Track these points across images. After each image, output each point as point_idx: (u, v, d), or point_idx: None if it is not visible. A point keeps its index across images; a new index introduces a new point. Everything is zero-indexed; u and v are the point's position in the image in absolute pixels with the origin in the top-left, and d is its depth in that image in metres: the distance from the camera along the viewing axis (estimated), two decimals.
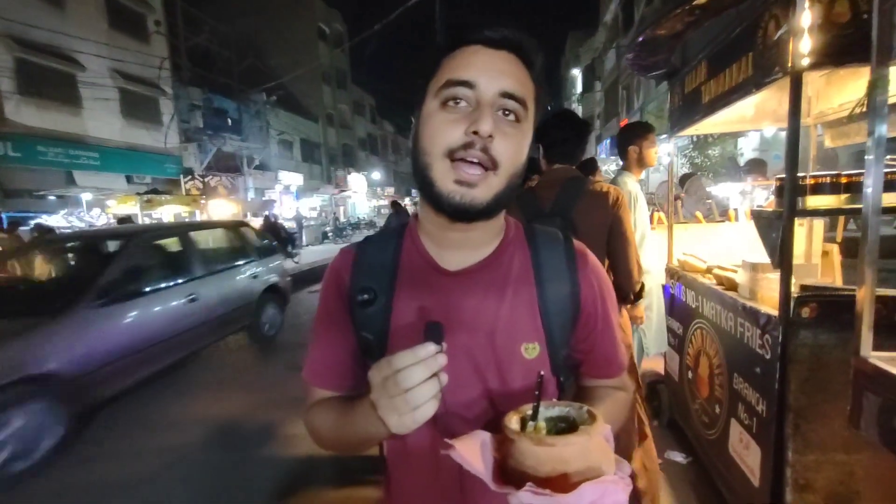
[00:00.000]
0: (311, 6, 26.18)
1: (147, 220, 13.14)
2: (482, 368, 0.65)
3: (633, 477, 0.52)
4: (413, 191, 40.92)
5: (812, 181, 1.67)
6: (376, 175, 33.39)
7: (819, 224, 2.52)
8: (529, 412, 0.54)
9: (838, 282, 2.40)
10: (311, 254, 14.40)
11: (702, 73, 2.21)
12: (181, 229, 4.92)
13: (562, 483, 0.47)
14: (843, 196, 1.64)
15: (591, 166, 3.91)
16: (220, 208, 15.37)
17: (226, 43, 16.80)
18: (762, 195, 5.51)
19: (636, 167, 2.57)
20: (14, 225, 8.03)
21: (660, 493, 2.04)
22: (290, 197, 22.48)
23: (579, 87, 28.64)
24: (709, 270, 2.36)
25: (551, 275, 0.69)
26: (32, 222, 8.69)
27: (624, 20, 19.90)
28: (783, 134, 1.58)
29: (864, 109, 1.07)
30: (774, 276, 1.62)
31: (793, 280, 1.54)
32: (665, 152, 4.50)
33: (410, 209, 21.12)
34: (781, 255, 1.53)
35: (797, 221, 1.63)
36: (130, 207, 12.19)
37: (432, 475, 0.67)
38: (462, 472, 0.63)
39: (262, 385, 4.17)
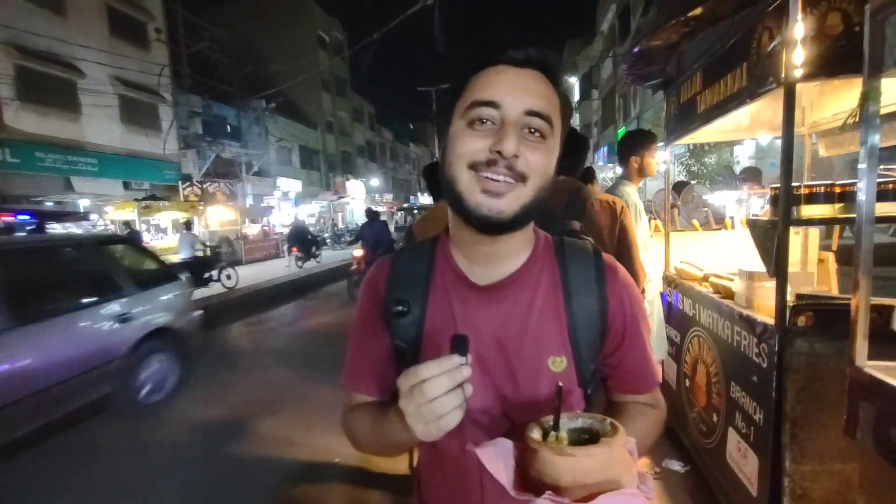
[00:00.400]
0: (311, 14, 26.39)
1: (145, 227, 13.17)
2: (508, 381, 0.67)
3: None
4: (410, 197, 41.06)
5: (806, 190, 1.68)
6: (375, 182, 33.48)
7: (815, 232, 2.53)
8: (551, 423, 0.55)
9: (834, 290, 2.41)
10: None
11: (697, 82, 2.23)
12: None
13: (581, 494, 0.47)
14: (837, 205, 1.65)
15: (590, 175, 3.91)
16: (219, 214, 15.38)
17: (226, 50, 16.88)
18: (758, 203, 5.53)
19: (636, 176, 2.54)
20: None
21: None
22: (288, 203, 22.50)
23: (577, 96, 28.80)
24: (705, 278, 2.37)
25: (580, 289, 0.70)
26: None
27: (620, 29, 20.12)
28: (779, 142, 1.59)
29: (857, 120, 1.08)
30: (770, 285, 1.63)
31: (788, 288, 1.55)
32: (661, 161, 4.52)
33: (401, 216, 21.07)
34: (777, 265, 1.54)
35: (792, 230, 1.64)
36: (128, 213, 12.21)
37: (457, 483, 0.70)
38: (484, 481, 0.66)
39: None
